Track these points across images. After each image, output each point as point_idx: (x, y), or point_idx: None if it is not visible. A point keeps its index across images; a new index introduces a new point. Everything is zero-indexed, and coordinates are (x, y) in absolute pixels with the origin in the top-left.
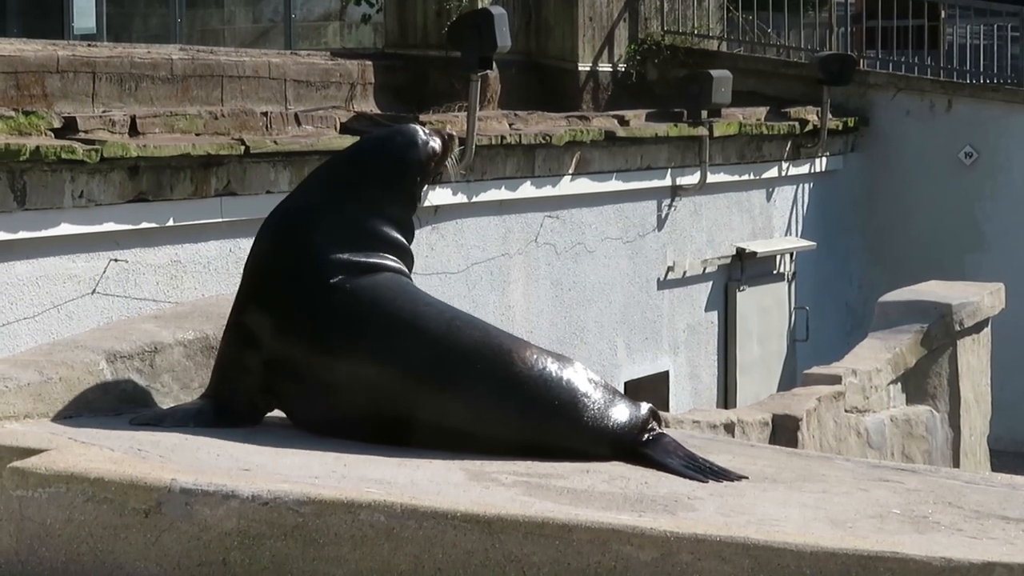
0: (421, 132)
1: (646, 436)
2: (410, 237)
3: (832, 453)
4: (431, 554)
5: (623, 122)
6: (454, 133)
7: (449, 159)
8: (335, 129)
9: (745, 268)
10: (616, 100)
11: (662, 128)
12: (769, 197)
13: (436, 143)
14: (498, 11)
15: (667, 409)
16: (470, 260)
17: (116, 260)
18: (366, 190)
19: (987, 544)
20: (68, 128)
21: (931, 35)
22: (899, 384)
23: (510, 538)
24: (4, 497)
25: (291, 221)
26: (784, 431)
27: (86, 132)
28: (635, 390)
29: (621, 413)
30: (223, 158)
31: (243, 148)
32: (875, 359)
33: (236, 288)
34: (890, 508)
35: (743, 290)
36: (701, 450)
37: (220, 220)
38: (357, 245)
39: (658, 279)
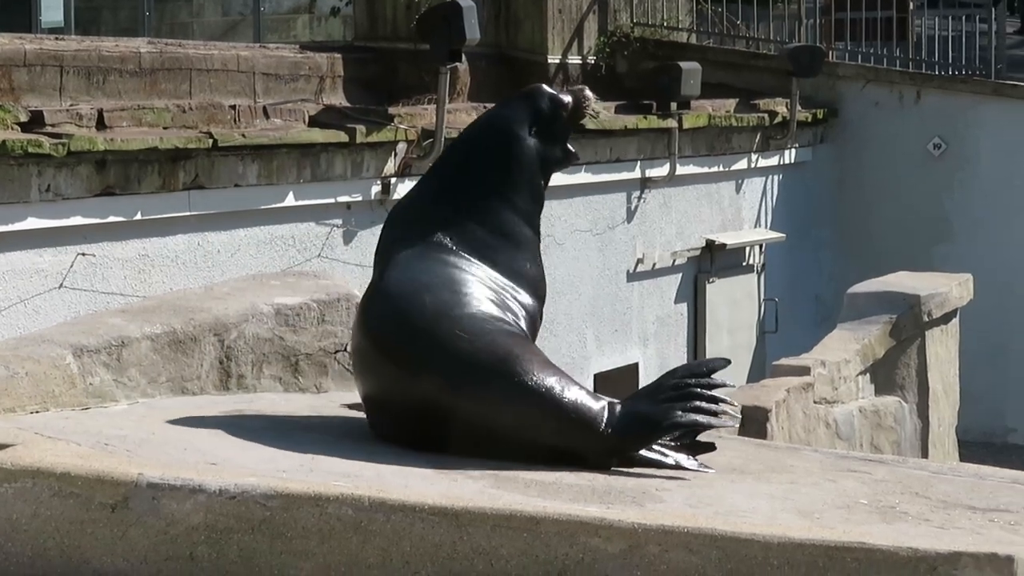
0: (544, 87)
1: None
2: (535, 219)
3: (801, 444)
4: (399, 547)
5: (592, 114)
6: (585, 88)
7: (590, 111)
8: (304, 122)
9: (715, 260)
10: None
11: (631, 120)
12: (738, 189)
13: (564, 97)
14: (467, 3)
15: None
16: None
17: (83, 254)
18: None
19: (954, 534)
20: (35, 122)
21: (900, 27)
22: (868, 375)
23: (478, 530)
24: None
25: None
26: (753, 422)
27: (53, 126)
28: (604, 382)
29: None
30: (191, 151)
31: (211, 141)
32: (844, 350)
33: (203, 281)
34: (858, 499)
35: (712, 282)
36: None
37: (188, 214)
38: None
39: (627, 271)
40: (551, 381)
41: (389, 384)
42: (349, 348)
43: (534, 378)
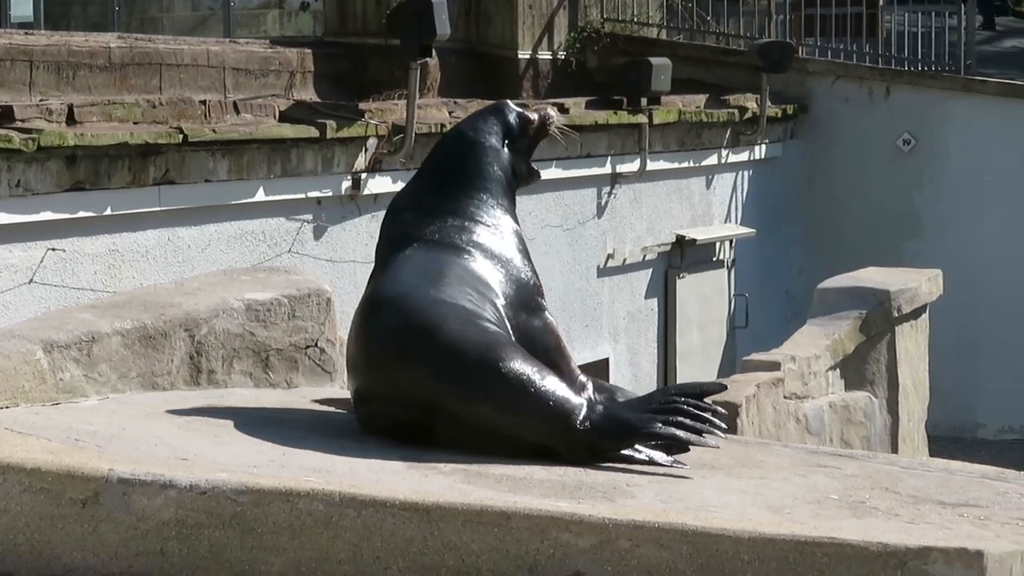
0: (511, 103)
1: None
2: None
3: (771, 439)
4: (370, 542)
5: (563, 110)
6: (551, 107)
7: (553, 130)
8: (274, 117)
9: (685, 255)
10: (556, 88)
11: (602, 116)
12: (709, 184)
13: (531, 114)
14: None
15: None
16: None
17: (53, 249)
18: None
19: (923, 529)
20: (4, 117)
21: (869, 22)
22: (838, 370)
23: (449, 526)
24: None
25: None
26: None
27: (23, 121)
28: None
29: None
30: (161, 147)
31: (181, 137)
32: (814, 345)
33: (174, 277)
34: (828, 494)
35: (683, 277)
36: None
37: (158, 209)
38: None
39: (598, 266)
40: (530, 373)
41: (387, 380)
42: (345, 345)
43: (514, 370)
